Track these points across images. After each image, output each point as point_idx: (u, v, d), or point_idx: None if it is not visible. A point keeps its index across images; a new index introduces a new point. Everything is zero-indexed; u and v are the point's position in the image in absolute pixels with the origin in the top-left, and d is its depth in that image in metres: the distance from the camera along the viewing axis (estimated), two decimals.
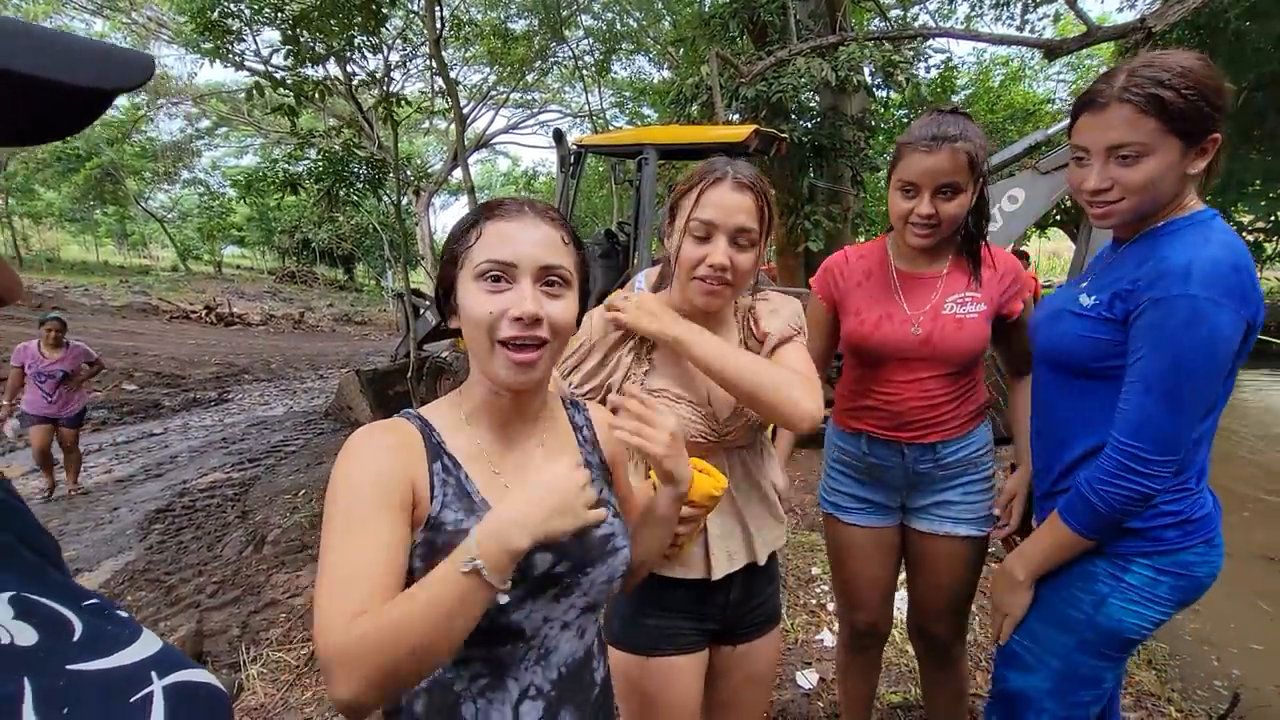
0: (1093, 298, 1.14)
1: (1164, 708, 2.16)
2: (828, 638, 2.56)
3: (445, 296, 0.85)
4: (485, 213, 0.82)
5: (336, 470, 0.74)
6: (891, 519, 1.56)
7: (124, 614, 0.44)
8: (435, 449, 0.80)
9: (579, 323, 0.88)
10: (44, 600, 0.40)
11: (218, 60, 5.91)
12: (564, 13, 11.57)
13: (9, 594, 0.39)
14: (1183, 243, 1.05)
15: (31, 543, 0.45)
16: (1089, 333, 1.12)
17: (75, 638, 0.39)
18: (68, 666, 0.37)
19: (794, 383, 1.08)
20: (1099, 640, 1.15)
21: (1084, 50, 7.33)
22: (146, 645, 0.43)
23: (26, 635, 0.37)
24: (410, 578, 0.75)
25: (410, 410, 0.85)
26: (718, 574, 1.17)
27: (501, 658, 0.80)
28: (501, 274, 0.78)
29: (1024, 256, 8.48)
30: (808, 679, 2.32)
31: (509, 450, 0.87)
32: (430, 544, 0.76)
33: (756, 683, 1.31)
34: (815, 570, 3.14)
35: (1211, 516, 1.14)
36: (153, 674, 0.41)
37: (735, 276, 1.09)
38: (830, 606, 2.81)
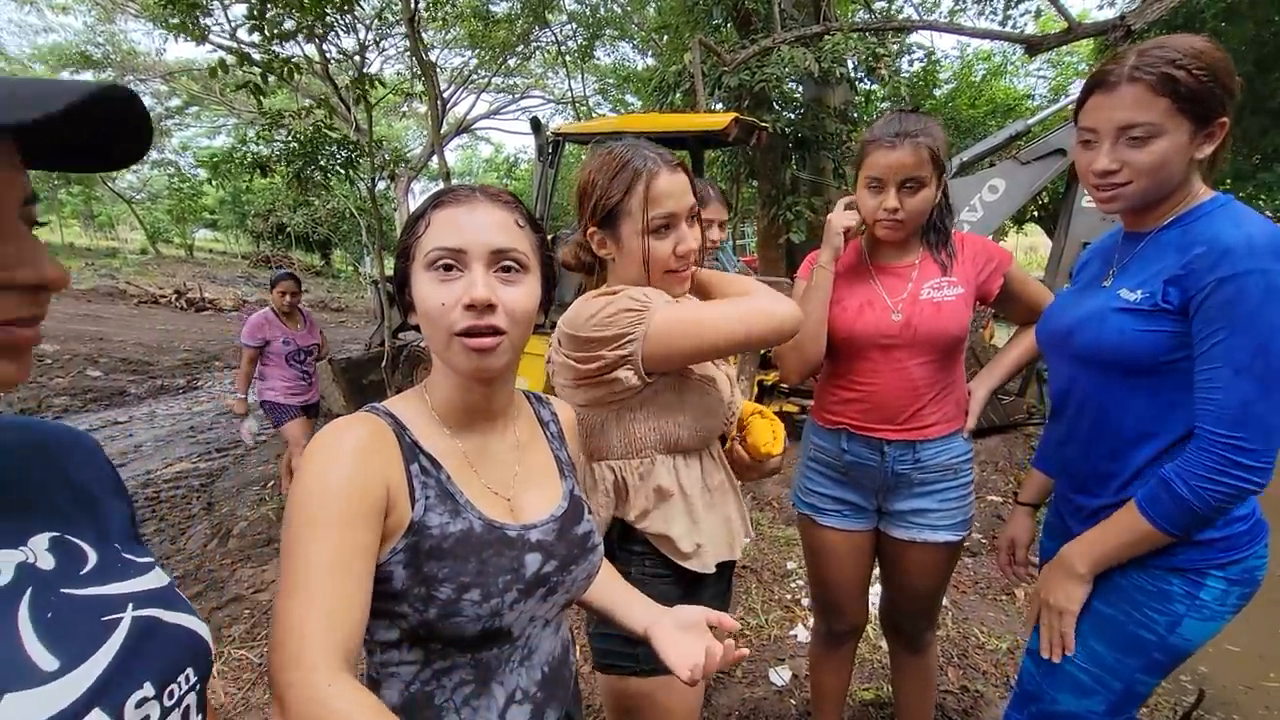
0: (1137, 292, 1.07)
1: None
2: (801, 633, 2.55)
3: (401, 292, 0.81)
4: (433, 201, 0.79)
5: (303, 469, 0.69)
6: (868, 522, 1.55)
7: (143, 559, 0.58)
8: (411, 448, 0.76)
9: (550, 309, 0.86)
10: (75, 540, 0.54)
11: (184, 36, 5.68)
12: None
13: (53, 534, 0.53)
14: (1227, 221, 1.00)
15: (115, 490, 0.63)
16: (1148, 327, 1.05)
17: (85, 570, 0.52)
18: (62, 590, 0.50)
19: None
20: (1166, 660, 1.11)
21: (1064, 47, 7.38)
22: (145, 582, 0.55)
23: (47, 562, 0.51)
24: (390, 585, 0.71)
25: (378, 405, 0.79)
26: (734, 555, 1.23)
27: (488, 662, 0.77)
28: (452, 261, 0.74)
29: None
30: (781, 676, 2.30)
31: (485, 448, 0.83)
32: (414, 549, 0.72)
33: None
34: (790, 565, 3.13)
35: (1262, 518, 1.10)
36: (129, 605, 0.52)
37: (700, 256, 1.12)
38: (805, 602, 2.80)
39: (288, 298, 3.73)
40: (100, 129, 0.47)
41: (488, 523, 0.77)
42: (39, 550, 0.51)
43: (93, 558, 0.54)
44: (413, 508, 0.73)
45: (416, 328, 0.81)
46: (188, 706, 0.54)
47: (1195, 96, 0.98)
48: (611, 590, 0.96)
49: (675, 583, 1.15)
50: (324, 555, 0.64)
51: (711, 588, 1.22)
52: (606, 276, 1.19)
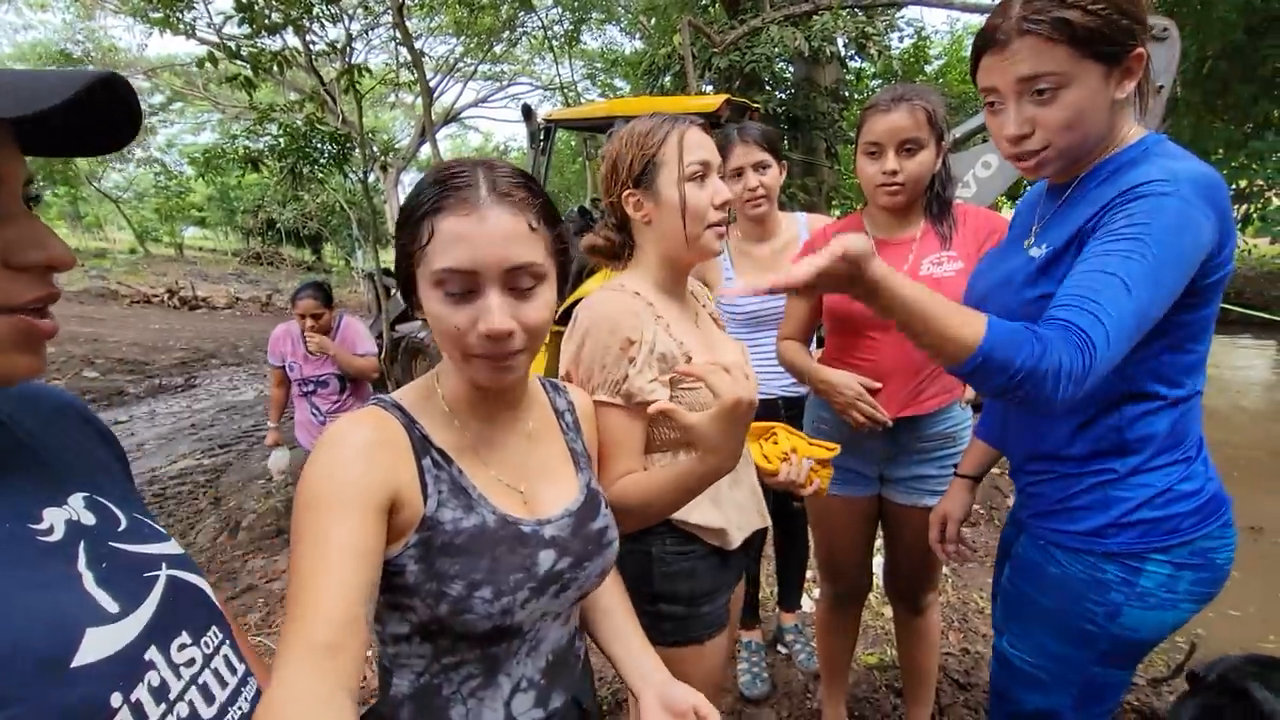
0: (1044, 248, 0.98)
1: None
2: (806, 604, 2.61)
3: (405, 290, 0.76)
4: (435, 201, 0.69)
5: (311, 464, 0.67)
6: (870, 489, 1.60)
7: (159, 527, 0.63)
8: (421, 443, 0.74)
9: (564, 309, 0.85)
10: (105, 502, 0.59)
11: (168, 31, 5.62)
12: None
13: (85, 494, 0.57)
14: (1153, 164, 0.89)
15: (118, 460, 0.68)
16: (1055, 288, 0.92)
17: (120, 528, 0.58)
18: (110, 543, 0.55)
19: None
20: (1116, 651, 1.02)
21: None
22: (167, 547, 0.61)
23: (89, 519, 0.55)
24: (403, 579, 0.71)
25: (386, 398, 0.77)
26: (765, 522, 1.25)
27: (496, 655, 0.77)
28: (463, 284, 0.69)
29: None
30: (787, 645, 2.36)
31: (495, 440, 0.81)
32: (426, 544, 0.71)
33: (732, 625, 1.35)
34: None
35: (1222, 493, 1.00)
36: (163, 565, 0.58)
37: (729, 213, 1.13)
38: (809, 575, 2.86)
39: (307, 321, 2.82)
40: (92, 116, 0.48)
41: (501, 518, 0.75)
42: (78, 509, 0.56)
43: (123, 520, 0.59)
44: (425, 503, 0.71)
45: (422, 320, 0.80)
46: (226, 656, 0.60)
47: (1096, 35, 0.85)
48: (618, 636, 0.92)
49: (700, 558, 1.15)
50: (315, 553, 0.62)
51: (737, 559, 1.22)
52: (631, 258, 1.16)
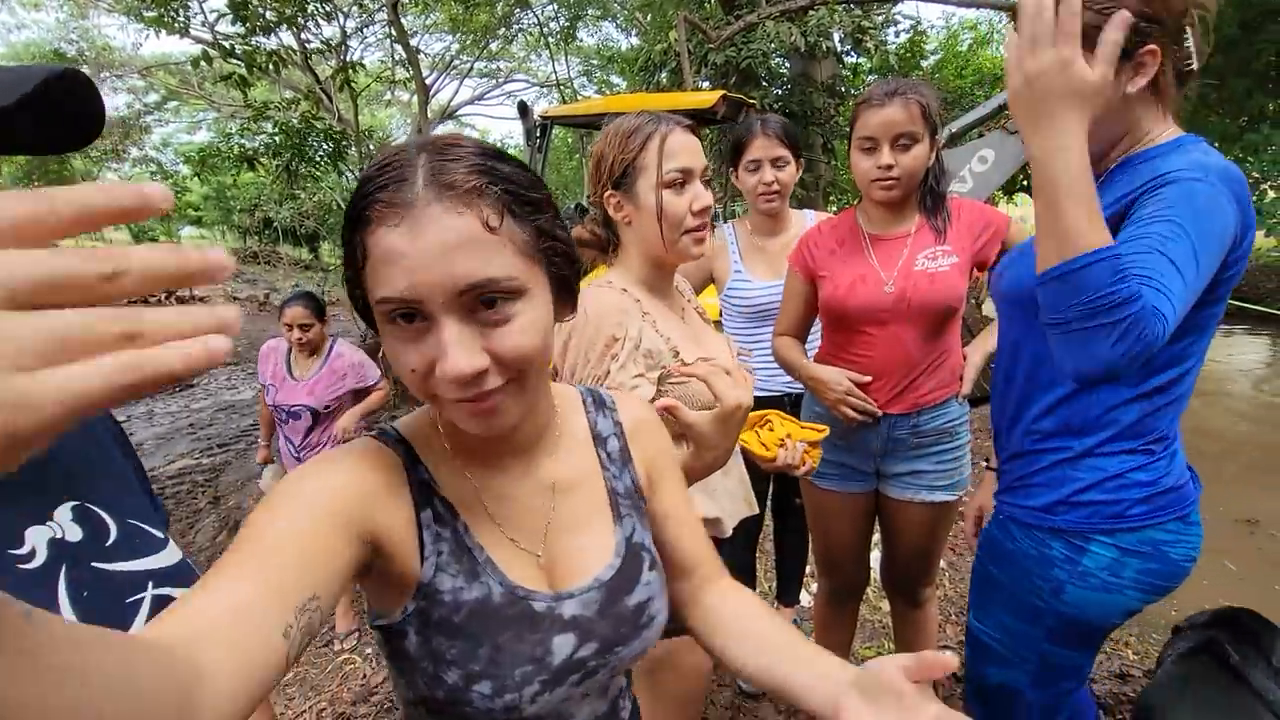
0: None
1: (1121, 651, 2.27)
2: (804, 598, 2.62)
3: (366, 313, 0.59)
4: (363, 207, 0.52)
5: (285, 479, 0.55)
6: (867, 484, 1.61)
7: (157, 533, 0.59)
8: (424, 490, 0.60)
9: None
10: (96, 510, 0.55)
11: (162, 30, 5.60)
12: None
13: (74, 504, 0.53)
14: (1183, 157, 0.90)
15: (123, 452, 0.64)
16: None
17: (109, 542, 0.54)
18: (93, 564, 0.52)
19: None
20: (1064, 630, 1.03)
21: None
22: (161, 559, 0.56)
23: (75, 534, 0.52)
24: (404, 645, 0.59)
25: (390, 430, 0.63)
26: (754, 509, 1.27)
27: None
28: (410, 314, 0.53)
29: None
30: None
31: (507, 493, 0.65)
32: (424, 616, 0.58)
33: None
34: None
35: (1187, 490, 1.01)
36: (149, 583, 0.54)
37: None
38: (808, 569, 2.87)
39: (295, 332, 2.51)
40: (52, 112, 0.45)
41: (510, 590, 0.61)
42: (65, 522, 0.52)
43: (114, 530, 0.55)
44: (421, 565, 0.59)
45: None
46: None
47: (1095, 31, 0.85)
48: (781, 665, 0.64)
49: None
50: (267, 535, 0.49)
51: (725, 547, 1.23)
52: (618, 254, 1.17)
